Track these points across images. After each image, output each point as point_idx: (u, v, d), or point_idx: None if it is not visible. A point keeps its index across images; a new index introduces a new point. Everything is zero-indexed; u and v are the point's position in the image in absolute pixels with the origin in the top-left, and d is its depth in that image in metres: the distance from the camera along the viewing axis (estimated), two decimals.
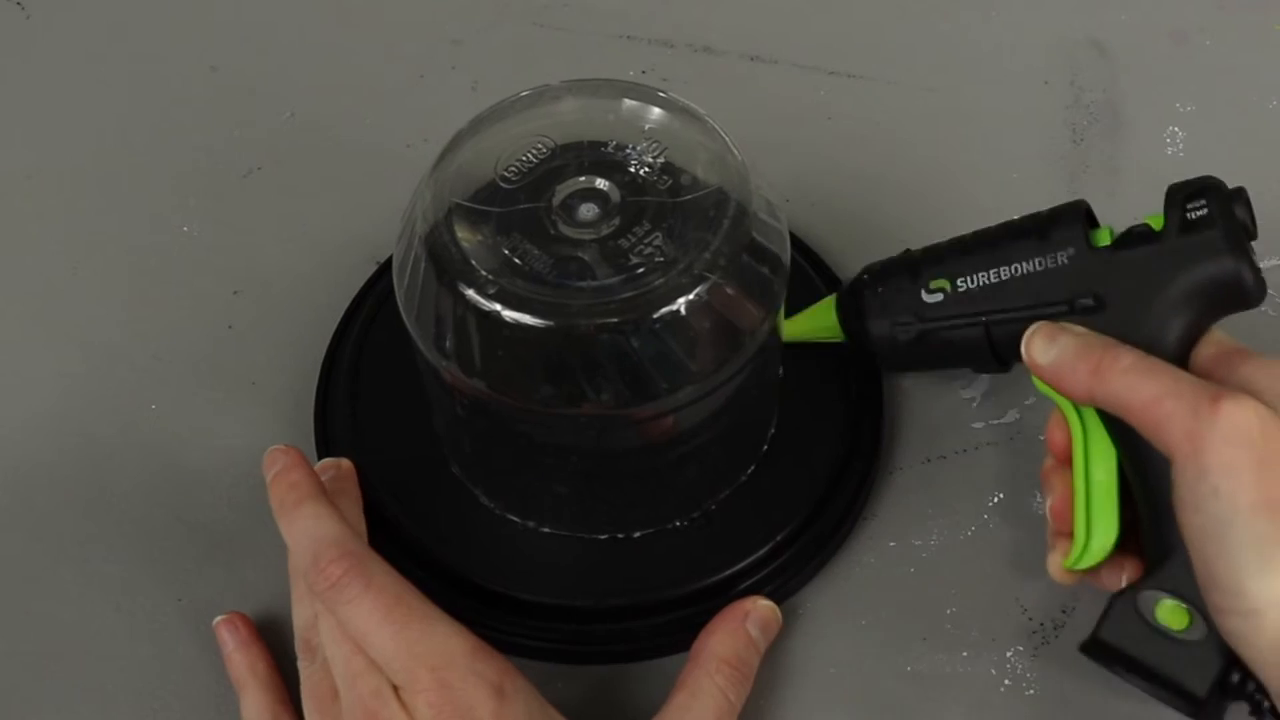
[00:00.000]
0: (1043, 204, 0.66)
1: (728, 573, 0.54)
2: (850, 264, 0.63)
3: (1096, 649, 0.48)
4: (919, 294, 0.53)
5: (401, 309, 0.50)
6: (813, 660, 0.54)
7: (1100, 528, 0.50)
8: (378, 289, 0.62)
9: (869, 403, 0.58)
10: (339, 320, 0.61)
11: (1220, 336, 0.50)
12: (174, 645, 0.54)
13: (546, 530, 0.55)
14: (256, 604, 0.55)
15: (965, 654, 0.54)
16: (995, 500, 0.58)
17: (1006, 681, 0.53)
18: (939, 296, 0.53)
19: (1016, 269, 0.51)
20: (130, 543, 0.57)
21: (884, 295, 0.54)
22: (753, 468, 0.56)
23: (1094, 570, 0.50)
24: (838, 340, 0.57)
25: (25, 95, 0.72)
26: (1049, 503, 0.52)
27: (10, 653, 0.54)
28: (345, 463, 0.56)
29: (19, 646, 0.55)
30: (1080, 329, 0.49)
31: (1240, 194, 0.49)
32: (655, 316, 0.47)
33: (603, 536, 0.55)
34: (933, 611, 0.55)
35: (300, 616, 0.51)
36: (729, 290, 0.48)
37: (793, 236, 0.55)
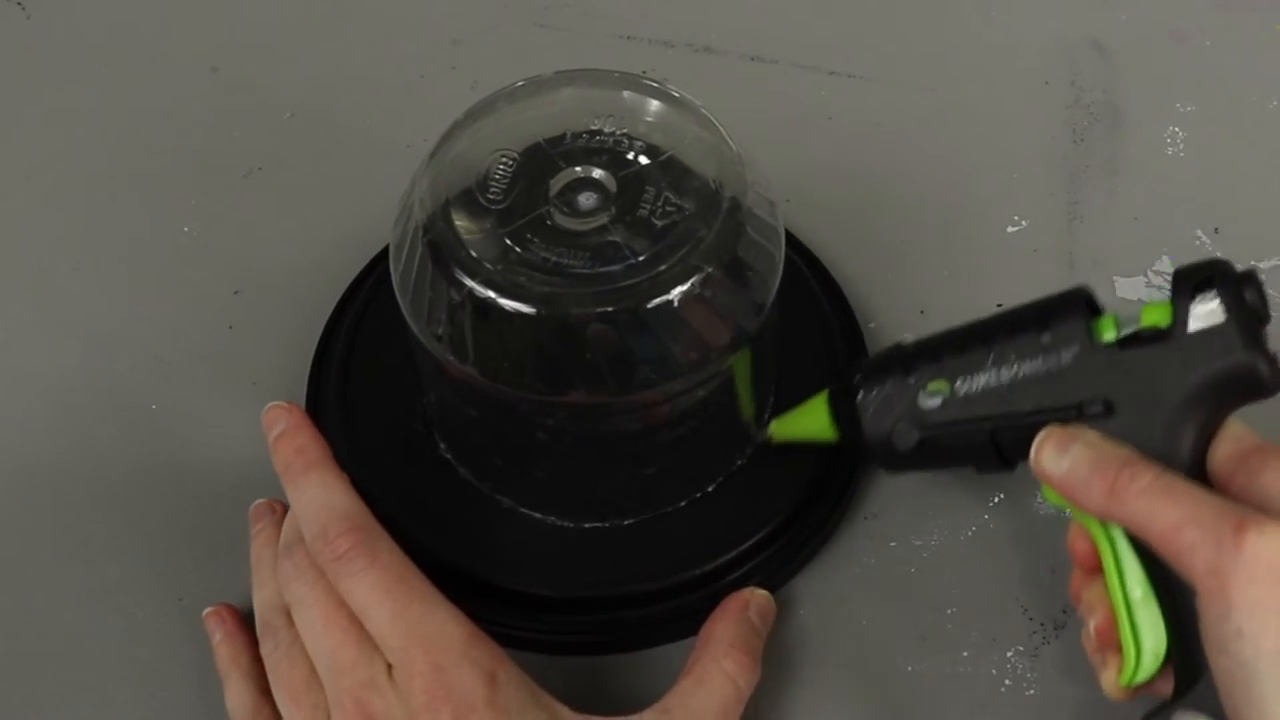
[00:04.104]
0: (1043, 204, 0.67)
1: (719, 561, 0.54)
2: (851, 263, 0.63)
3: None
4: (915, 397, 0.50)
5: (398, 295, 0.50)
6: (812, 660, 0.54)
7: (1149, 640, 0.46)
8: (369, 282, 0.61)
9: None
10: (330, 314, 0.61)
11: (1237, 432, 0.47)
12: (174, 645, 0.54)
13: (538, 516, 0.55)
14: None
15: (965, 654, 0.54)
16: (995, 500, 0.58)
17: (1006, 681, 0.53)
18: (938, 400, 0.50)
19: (1018, 370, 0.49)
20: (130, 543, 0.57)
21: (878, 398, 0.51)
22: (744, 458, 0.56)
23: (1151, 682, 0.47)
24: (831, 442, 0.54)
25: (25, 95, 0.72)
26: (1091, 624, 0.48)
27: (10, 653, 0.54)
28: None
29: (19, 646, 0.55)
30: (1093, 437, 0.47)
31: (1250, 278, 0.47)
32: (649, 307, 0.47)
33: (588, 525, 0.55)
34: (933, 611, 0.55)
35: (263, 600, 0.51)
36: (722, 282, 0.48)
37: (791, 237, 0.56)
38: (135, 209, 0.67)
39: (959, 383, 0.50)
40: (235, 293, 0.64)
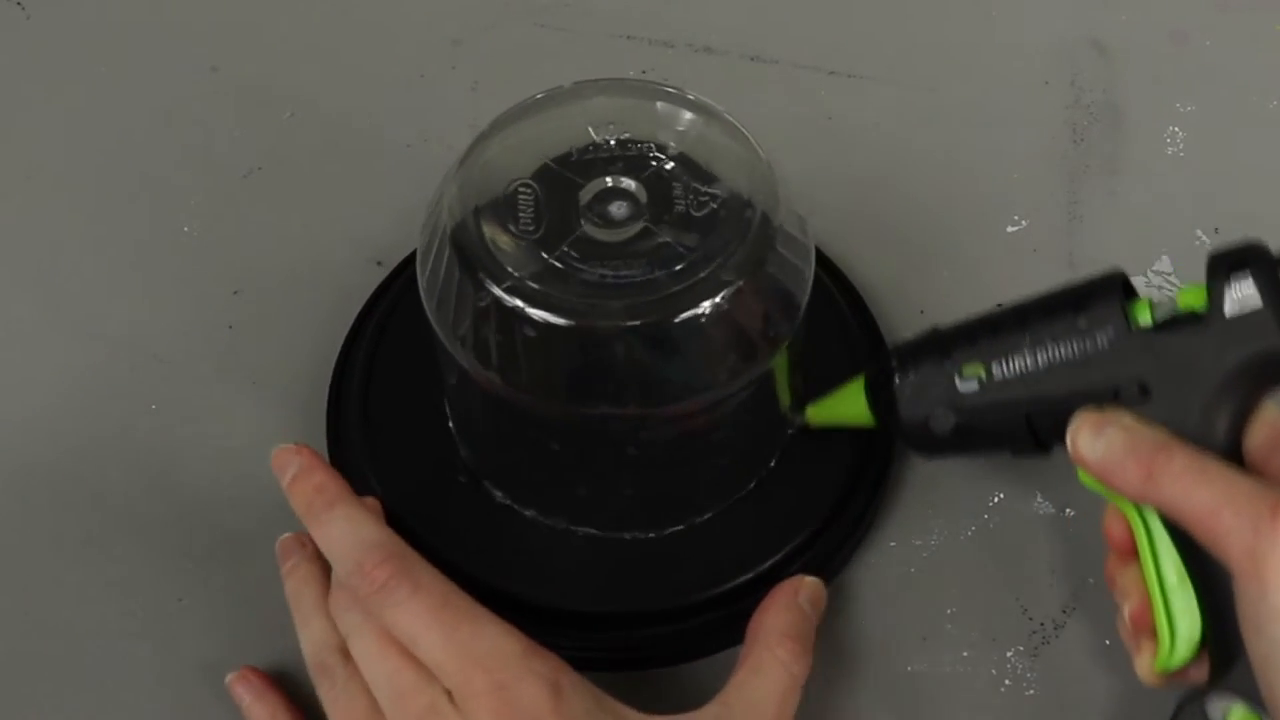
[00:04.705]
0: (1043, 204, 0.67)
1: (742, 579, 0.54)
2: (850, 263, 0.63)
3: None
4: (952, 381, 0.50)
5: (426, 306, 0.50)
6: (813, 660, 0.54)
7: (1183, 625, 0.46)
8: (391, 292, 0.61)
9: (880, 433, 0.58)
10: (350, 314, 0.61)
11: (1273, 415, 0.47)
12: (174, 645, 0.54)
13: (554, 525, 0.55)
14: (256, 604, 0.55)
15: (965, 654, 0.54)
16: (995, 500, 0.58)
17: (1006, 681, 0.53)
18: (974, 385, 0.50)
19: (1054, 353, 0.49)
20: (130, 543, 0.57)
21: (915, 383, 0.51)
22: (766, 472, 0.56)
23: (1185, 669, 0.47)
24: (868, 426, 0.54)
25: (25, 95, 0.72)
26: (1126, 609, 0.48)
27: (10, 653, 0.54)
28: (371, 501, 0.53)
29: (19, 646, 0.55)
30: (1128, 420, 0.47)
31: None
32: (676, 321, 0.47)
33: (595, 531, 0.55)
34: (933, 612, 0.55)
35: (311, 639, 0.50)
36: (751, 296, 0.48)
37: None
38: (135, 209, 0.67)
39: (995, 366, 0.50)
40: (235, 293, 0.64)
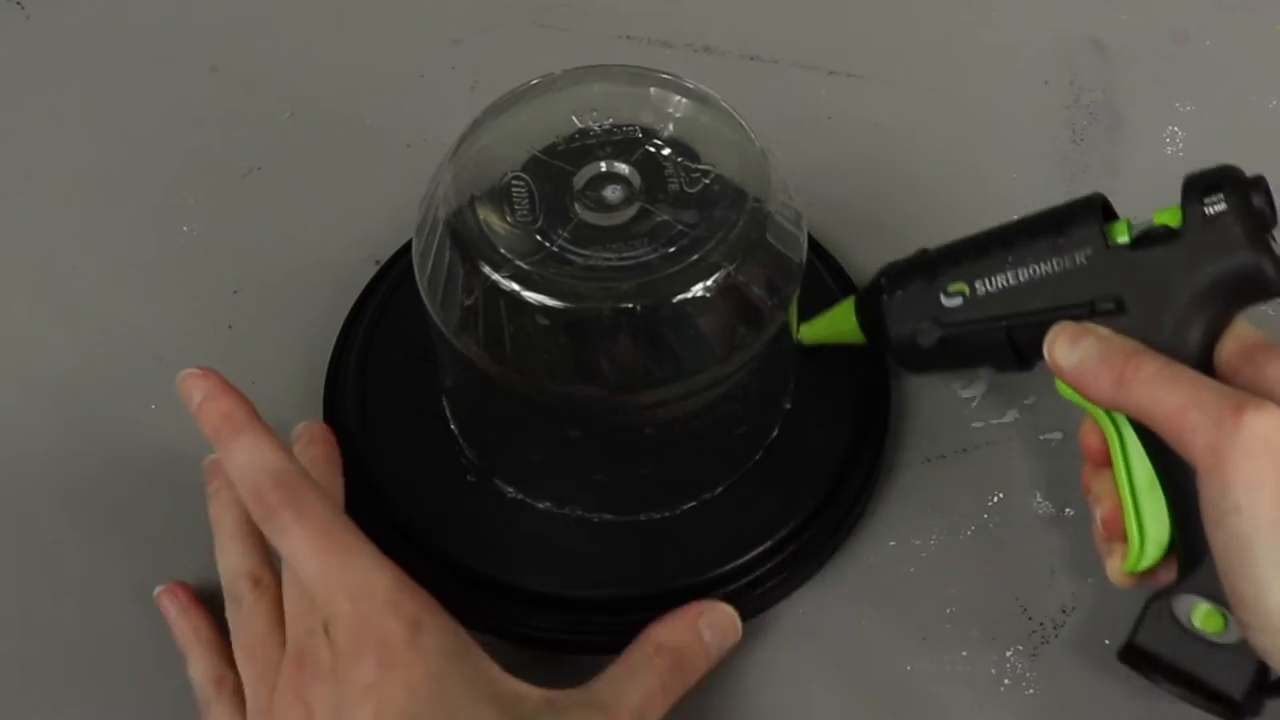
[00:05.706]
0: (1043, 204, 0.66)
1: (727, 567, 0.54)
2: (849, 262, 0.63)
3: (1132, 655, 0.48)
4: (938, 298, 0.52)
5: (422, 290, 0.50)
6: (812, 660, 0.54)
7: (1152, 528, 0.49)
8: (381, 288, 0.61)
9: (876, 405, 0.58)
10: (346, 314, 0.61)
11: (1244, 330, 0.49)
12: (174, 645, 0.54)
13: (569, 515, 0.55)
14: None
15: (965, 654, 0.54)
16: (995, 500, 0.58)
17: (1006, 681, 0.53)
18: (958, 300, 0.52)
19: (1035, 270, 0.50)
20: (130, 543, 0.57)
21: (902, 300, 0.53)
22: (771, 440, 0.56)
23: (1153, 570, 0.49)
24: (859, 343, 0.56)
25: (25, 95, 0.72)
26: (1099, 513, 0.51)
27: (10, 653, 0.54)
28: (317, 427, 0.56)
29: (19, 646, 0.55)
30: (1104, 331, 0.49)
31: (1258, 182, 0.49)
32: (682, 299, 0.47)
33: (611, 516, 0.55)
34: (933, 611, 0.55)
35: (227, 566, 0.51)
36: (753, 266, 0.48)
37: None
38: (135, 209, 0.67)
39: (979, 283, 0.52)
40: (235, 293, 0.64)
